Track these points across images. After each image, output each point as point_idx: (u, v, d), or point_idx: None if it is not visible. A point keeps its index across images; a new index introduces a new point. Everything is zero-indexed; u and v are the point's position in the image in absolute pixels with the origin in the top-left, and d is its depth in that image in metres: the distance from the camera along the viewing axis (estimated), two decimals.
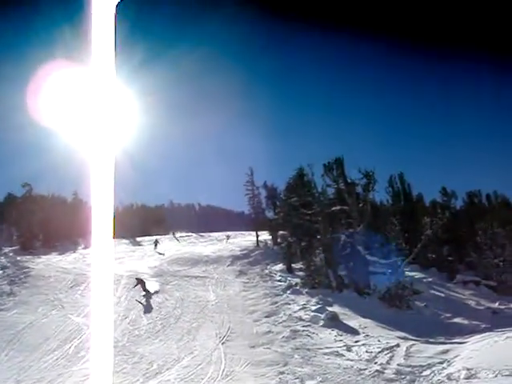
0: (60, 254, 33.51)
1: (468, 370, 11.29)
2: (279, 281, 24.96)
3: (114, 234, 1.45)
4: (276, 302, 20.12)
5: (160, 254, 34.65)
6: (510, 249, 26.59)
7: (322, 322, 17.04)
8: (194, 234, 48.43)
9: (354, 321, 17.76)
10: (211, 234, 48.74)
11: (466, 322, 18.97)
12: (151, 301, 20.05)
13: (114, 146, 1.44)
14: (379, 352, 13.93)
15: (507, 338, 13.50)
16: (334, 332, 16.13)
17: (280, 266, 29.19)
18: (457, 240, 30.41)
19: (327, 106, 52.47)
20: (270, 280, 25.18)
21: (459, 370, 11.48)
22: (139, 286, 21.03)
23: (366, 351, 14.06)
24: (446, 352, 13.73)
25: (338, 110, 53.29)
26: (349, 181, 26.49)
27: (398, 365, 12.77)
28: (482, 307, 21.96)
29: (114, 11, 1.44)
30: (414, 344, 14.83)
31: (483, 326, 17.91)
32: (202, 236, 47.87)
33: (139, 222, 50.75)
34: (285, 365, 12.59)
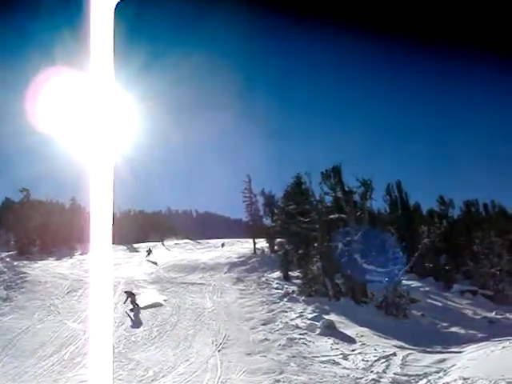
0: (57, 260, 33.43)
1: (464, 379, 11.27)
2: (276, 288, 24.92)
3: (112, 240, 1.46)
4: (273, 310, 20.09)
5: (153, 262, 33.01)
6: (507, 258, 26.62)
7: (318, 330, 17.01)
8: (190, 241, 48.28)
9: (351, 329, 17.73)
10: (209, 240, 48.68)
11: (462, 331, 18.96)
12: (143, 314, 19.09)
13: (113, 151, 1.45)
14: (376, 361, 13.90)
15: (504, 347, 13.47)
16: (331, 340, 16.10)
17: (277, 274, 29.15)
18: (454, 249, 30.45)
19: (326, 112, 52.52)
20: (266, 287, 25.15)
21: (455, 380, 11.45)
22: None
23: (363, 360, 14.03)
24: (442, 361, 13.70)
25: (336, 116, 53.33)
26: (346, 189, 26.53)
27: (395, 374, 12.74)
28: (478, 316, 21.94)
29: (113, 13, 1.45)
30: (410, 353, 14.80)
31: (480, 335, 17.90)
32: (199, 243, 47.79)
33: (137, 228, 50.59)
34: (281, 373, 12.56)
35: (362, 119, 52.79)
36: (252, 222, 42.50)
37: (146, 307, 19.73)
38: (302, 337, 16.33)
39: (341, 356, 14.43)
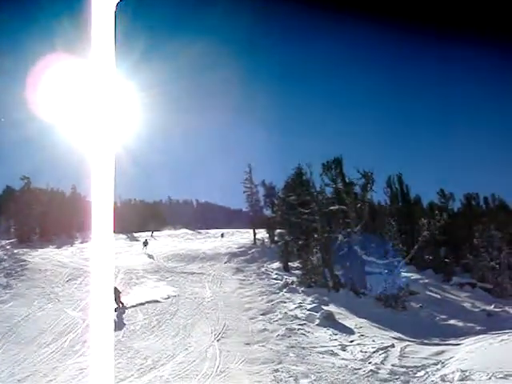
0: (57, 248, 33.51)
1: (462, 371, 11.32)
2: (275, 279, 24.97)
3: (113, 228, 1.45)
4: (272, 300, 20.13)
5: (149, 256, 31.78)
6: (507, 251, 26.65)
7: (317, 321, 17.06)
8: (189, 231, 48.33)
9: (350, 320, 17.79)
10: (208, 230, 48.77)
11: (461, 323, 19.02)
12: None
13: (114, 140, 1.43)
14: (374, 352, 13.96)
15: (502, 340, 13.52)
16: (330, 331, 16.16)
17: (277, 265, 29.23)
18: (454, 242, 30.47)
19: (327, 104, 52.26)
20: (266, 278, 25.20)
21: (453, 372, 11.51)
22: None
23: (361, 351, 14.09)
24: (440, 353, 13.76)
25: (337, 108, 53.12)
26: (347, 180, 26.52)
27: (393, 365, 12.80)
28: (477, 309, 22.00)
29: (115, 4, 1.43)
30: (408, 345, 14.86)
31: (478, 328, 17.96)
32: (199, 232, 47.88)
33: (137, 217, 50.65)
34: (279, 363, 12.61)
35: (364, 111, 52.46)
36: (252, 213, 42.55)
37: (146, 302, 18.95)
38: (300, 327, 16.37)
39: (339, 347, 14.48)
